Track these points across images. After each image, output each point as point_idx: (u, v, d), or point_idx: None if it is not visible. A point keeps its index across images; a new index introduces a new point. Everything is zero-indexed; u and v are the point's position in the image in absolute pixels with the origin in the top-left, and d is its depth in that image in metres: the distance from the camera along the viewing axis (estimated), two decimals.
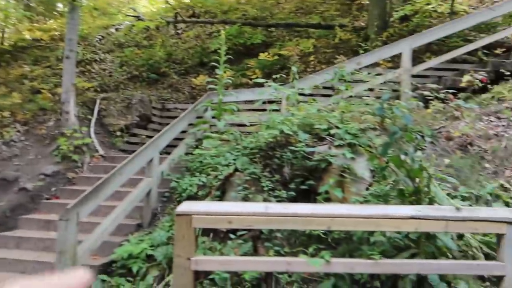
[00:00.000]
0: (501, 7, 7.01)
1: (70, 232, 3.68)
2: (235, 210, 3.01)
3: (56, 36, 12.36)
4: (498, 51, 8.01)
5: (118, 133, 7.82)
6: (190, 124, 6.33)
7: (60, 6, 15.00)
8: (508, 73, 6.62)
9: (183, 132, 6.28)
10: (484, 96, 6.36)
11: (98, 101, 8.38)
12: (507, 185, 4.52)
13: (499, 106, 6.07)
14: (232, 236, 3.98)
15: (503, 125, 5.79)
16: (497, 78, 6.81)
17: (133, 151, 5.02)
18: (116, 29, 14.34)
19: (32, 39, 12.17)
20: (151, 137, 6.10)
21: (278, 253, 3.84)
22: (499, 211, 3.12)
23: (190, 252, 3.00)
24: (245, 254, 3.91)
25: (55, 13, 14.95)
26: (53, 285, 0.33)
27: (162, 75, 10.94)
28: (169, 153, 6.01)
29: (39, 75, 9.57)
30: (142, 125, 8.24)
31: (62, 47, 8.08)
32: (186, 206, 3.10)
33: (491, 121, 5.86)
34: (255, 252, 4.01)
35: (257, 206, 3.07)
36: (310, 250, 3.44)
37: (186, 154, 5.73)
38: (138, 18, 13.93)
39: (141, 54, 11.80)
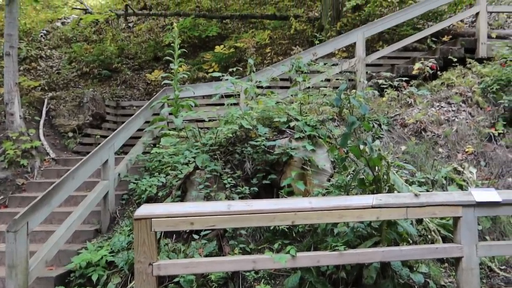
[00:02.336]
0: None
1: (19, 244, 3.43)
2: (196, 210, 2.91)
3: None
4: (445, 38, 8.34)
5: (70, 134, 7.43)
6: (147, 122, 6.12)
7: None
8: (456, 60, 6.89)
9: (140, 130, 6.06)
10: (434, 82, 6.59)
11: (46, 101, 7.91)
12: (460, 168, 4.71)
13: (449, 92, 6.31)
14: (195, 236, 3.88)
15: (453, 110, 6.04)
16: (446, 64, 7.08)
17: (88, 153, 4.77)
18: (63, 23, 13.63)
19: None
20: (105, 136, 5.83)
21: (244, 251, 3.79)
22: (454, 195, 3.23)
23: (151, 257, 2.88)
24: (210, 254, 3.83)
25: None
26: None
27: (115, 71, 10.51)
28: (126, 153, 5.77)
29: None
30: (95, 125, 7.87)
31: (2, 43, 7.53)
32: (145, 210, 2.97)
33: (442, 106, 6.09)
34: (220, 251, 3.94)
35: (219, 205, 2.99)
36: (276, 246, 3.41)
37: (144, 153, 5.53)
38: (85, 11, 13.29)
39: (90, 49, 11.27)
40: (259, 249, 3.68)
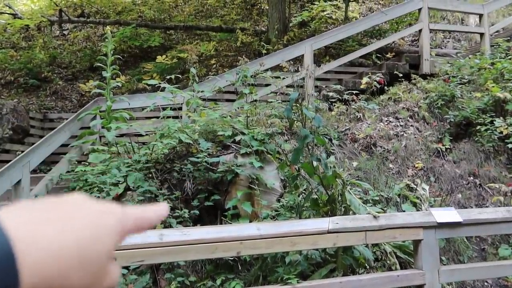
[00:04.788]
0: (392, 11, 7.32)
1: None
2: None
3: None
4: (389, 55, 8.44)
5: None
6: (76, 136, 5.41)
7: None
8: (401, 75, 6.89)
9: (67, 145, 5.34)
10: (382, 97, 6.51)
11: None
12: (412, 185, 4.53)
13: (396, 106, 6.24)
14: (124, 271, 3.29)
15: (401, 125, 5.95)
16: (392, 79, 7.08)
17: None
18: None
19: None
20: None
21: (182, 284, 3.26)
22: (415, 216, 2.96)
23: None
24: None
25: None
26: (137, 213, 0.41)
27: (45, 81, 9.57)
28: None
29: None
30: (17, 139, 6.96)
31: None
32: None
33: (390, 121, 5.98)
34: (155, 285, 3.37)
35: (148, 235, 2.47)
36: (218, 281, 2.92)
37: (70, 172, 4.82)
38: (15, 16, 12.16)
39: (17, 56, 10.23)
40: (202, 284, 3.16)
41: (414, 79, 6.73)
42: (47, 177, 4.59)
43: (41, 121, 7.72)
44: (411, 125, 5.91)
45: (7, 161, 6.54)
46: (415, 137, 5.66)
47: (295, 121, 3.05)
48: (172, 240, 2.47)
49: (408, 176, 5.05)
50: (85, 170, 4.10)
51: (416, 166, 5.17)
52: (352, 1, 11.36)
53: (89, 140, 5.07)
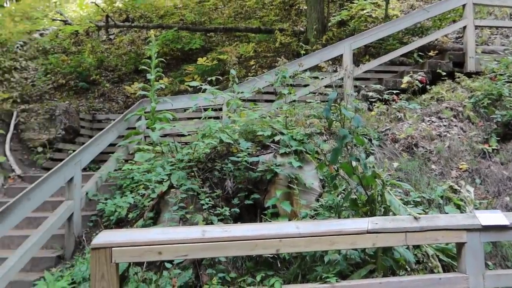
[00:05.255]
0: (435, 7, 7.11)
1: None
2: (165, 237, 2.50)
3: None
4: (431, 53, 8.19)
5: (40, 149, 6.92)
6: (122, 136, 5.69)
7: None
8: (444, 74, 6.69)
9: (114, 145, 5.62)
10: (424, 96, 6.35)
11: (15, 114, 7.40)
12: (456, 187, 4.41)
13: (439, 106, 6.07)
14: (168, 265, 3.44)
15: (444, 125, 5.78)
16: (434, 78, 6.88)
17: None
18: (41, 35, 13.18)
19: None
20: None
21: (223, 280, 3.37)
22: (458, 218, 2.90)
23: None
24: (185, 284, 3.39)
25: None
26: None
27: (93, 84, 10.07)
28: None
29: None
30: (68, 139, 7.39)
31: None
32: (104, 237, 2.54)
33: (433, 121, 5.83)
34: (197, 280, 3.50)
35: (192, 231, 2.59)
36: (258, 278, 3.00)
37: (117, 170, 5.08)
38: (65, 22, 12.88)
39: (68, 61, 10.82)
40: (242, 280, 3.25)
41: (458, 77, 6.52)
42: (97, 175, 4.86)
43: (90, 121, 8.15)
44: (455, 125, 5.73)
45: (60, 160, 6.96)
46: (459, 137, 5.49)
47: (334, 121, 3.07)
48: (214, 236, 2.58)
49: (452, 177, 4.91)
50: (131, 169, 4.31)
51: (460, 167, 5.01)
52: None
53: (135, 140, 5.31)
